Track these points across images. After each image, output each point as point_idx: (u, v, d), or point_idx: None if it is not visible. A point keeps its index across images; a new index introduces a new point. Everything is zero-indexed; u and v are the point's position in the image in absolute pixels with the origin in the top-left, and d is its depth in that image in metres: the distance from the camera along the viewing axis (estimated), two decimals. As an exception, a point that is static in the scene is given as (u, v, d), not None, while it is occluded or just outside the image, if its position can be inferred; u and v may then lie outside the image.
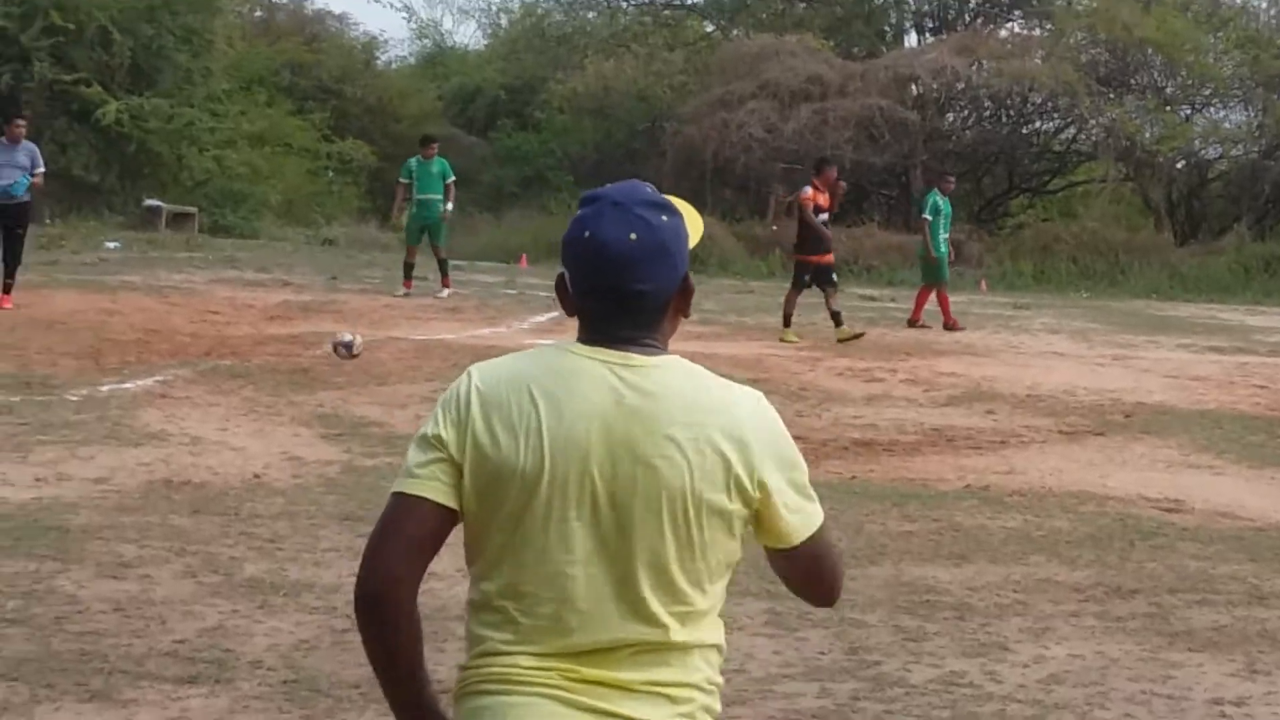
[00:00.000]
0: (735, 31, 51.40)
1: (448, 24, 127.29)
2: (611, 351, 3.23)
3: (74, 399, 14.74)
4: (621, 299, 3.23)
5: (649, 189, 3.33)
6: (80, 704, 6.88)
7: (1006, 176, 48.43)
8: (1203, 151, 46.52)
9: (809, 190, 23.54)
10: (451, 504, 3.20)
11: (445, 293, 26.27)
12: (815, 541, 3.35)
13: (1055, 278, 39.01)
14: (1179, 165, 46.14)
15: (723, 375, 3.35)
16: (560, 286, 3.32)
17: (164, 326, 20.16)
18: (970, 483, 12.81)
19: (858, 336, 22.37)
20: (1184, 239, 44.31)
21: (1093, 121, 44.67)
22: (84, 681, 7.12)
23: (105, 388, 15.48)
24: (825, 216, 23.35)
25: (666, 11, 53.87)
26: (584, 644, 3.17)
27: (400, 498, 3.22)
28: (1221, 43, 46.71)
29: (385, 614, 3.20)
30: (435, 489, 3.19)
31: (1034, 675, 7.80)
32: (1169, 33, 43.64)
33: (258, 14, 53.40)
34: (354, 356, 17.50)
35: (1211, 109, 47.41)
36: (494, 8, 62.39)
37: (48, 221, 33.38)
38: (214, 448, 12.82)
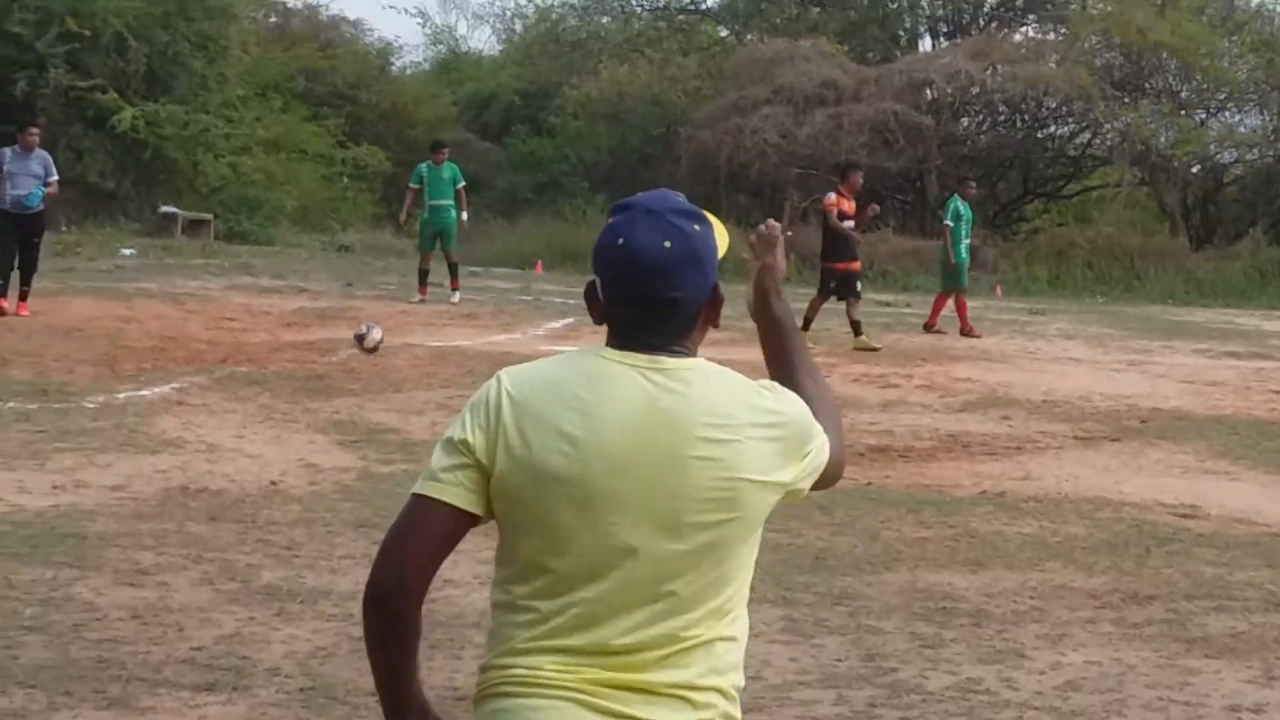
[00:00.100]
0: (749, 36, 51.40)
1: (462, 29, 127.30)
2: (641, 356, 3.26)
3: (91, 406, 14.77)
4: (654, 306, 3.26)
5: (681, 198, 3.38)
6: (98, 711, 6.89)
7: (1021, 181, 48.38)
8: (1218, 156, 46.44)
9: (832, 196, 23.53)
10: (474, 509, 3.22)
11: (456, 296, 26.29)
12: (827, 466, 3.44)
13: (1070, 283, 38.94)
14: (1194, 170, 46.08)
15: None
16: (590, 294, 3.34)
17: (180, 333, 20.18)
18: (986, 489, 12.80)
19: (873, 350, 22.25)
20: (1199, 244, 44.21)
21: (1108, 126, 44.58)
22: (102, 689, 7.13)
23: (122, 395, 15.50)
24: (850, 223, 23.29)
25: (681, 16, 53.85)
26: (615, 645, 3.19)
27: (423, 500, 3.23)
28: (1237, 47, 46.65)
29: (397, 611, 3.23)
30: (459, 494, 3.21)
31: (1051, 682, 7.80)
32: (1184, 37, 43.58)
33: (273, 20, 53.42)
34: (365, 350, 17.55)
35: (1227, 113, 47.33)
36: (508, 13, 62.69)
37: (63, 229, 33.42)
38: (230, 455, 12.83)
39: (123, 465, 12.16)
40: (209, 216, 38.88)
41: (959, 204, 26.34)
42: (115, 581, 8.90)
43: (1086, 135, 47.56)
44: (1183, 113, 45.02)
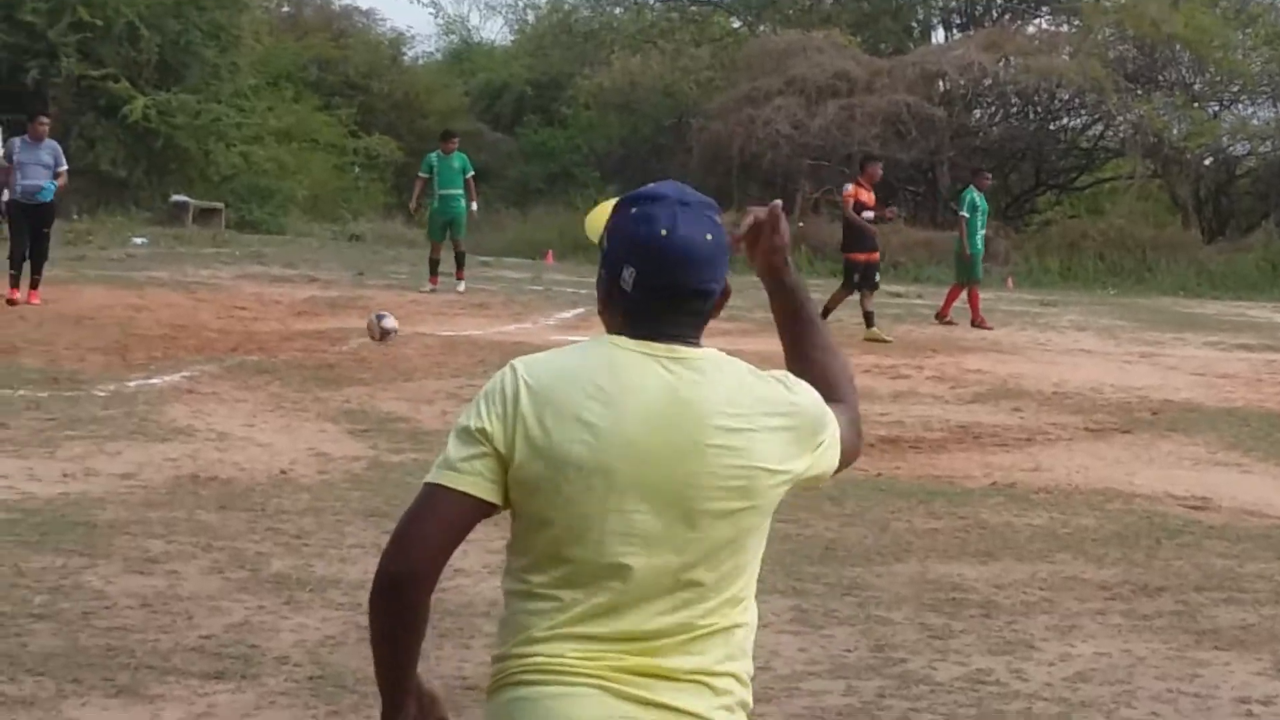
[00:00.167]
0: (762, 27, 51.42)
1: (475, 20, 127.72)
2: (659, 345, 3.26)
3: (101, 394, 14.78)
4: (689, 297, 3.29)
5: (692, 189, 3.39)
6: (107, 699, 6.89)
7: (1033, 173, 48.34)
8: (1231, 148, 46.40)
9: (850, 187, 23.54)
10: (491, 498, 3.20)
11: (461, 285, 26.30)
12: (841, 450, 3.46)
13: (1082, 275, 38.90)
14: (1207, 162, 46.02)
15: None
16: (611, 282, 3.32)
17: (191, 322, 20.20)
18: (997, 480, 12.79)
19: (884, 341, 22.21)
20: (1211, 236, 44.15)
21: (1120, 118, 44.58)
22: (111, 676, 7.13)
23: (132, 383, 15.51)
24: (870, 214, 23.27)
25: (693, 7, 53.87)
26: (635, 631, 3.19)
27: (439, 489, 3.20)
28: (1250, 39, 46.61)
29: (410, 598, 3.20)
30: (476, 483, 3.19)
31: (1060, 673, 7.79)
32: (1197, 29, 43.52)
33: (285, 9, 53.52)
34: (377, 338, 17.62)
35: (1239, 105, 47.29)
36: (521, 3, 62.48)
37: (75, 217, 33.48)
38: (240, 443, 12.84)
39: (133, 453, 12.16)
40: (220, 205, 38.95)
41: (975, 195, 26.31)
42: (125, 569, 8.90)
43: (1099, 127, 47.54)
44: (1196, 105, 44.99)
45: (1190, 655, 8.16)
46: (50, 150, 21.44)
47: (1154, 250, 40.27)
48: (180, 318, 20.54)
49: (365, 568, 9.01)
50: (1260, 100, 46.78)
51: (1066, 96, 45.86)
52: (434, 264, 26.50)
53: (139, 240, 32.23)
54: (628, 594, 3.19)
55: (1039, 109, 47.34)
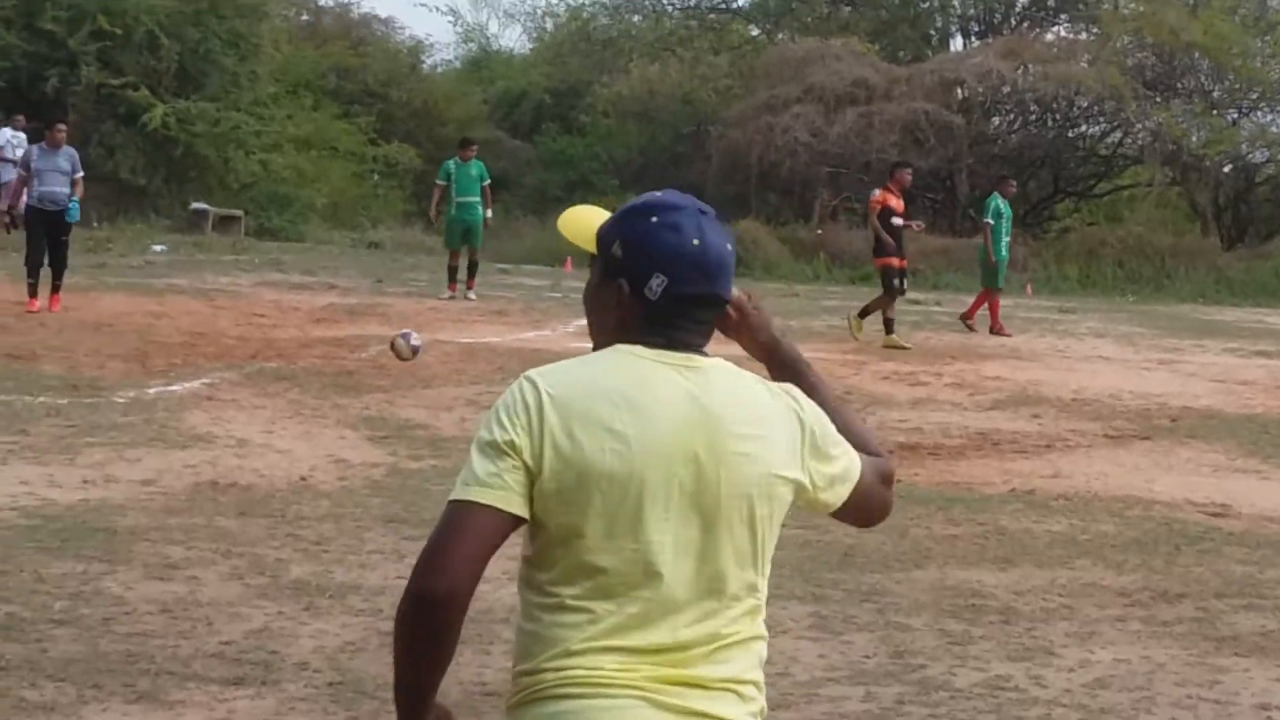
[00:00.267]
0: (780, 35, 51.41)
1: (493, 28, 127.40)
2: (676, 355, 3.27)
3: (121, 401, 14.80)
4: (713, 306, 3.34)
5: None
6: (127, 704, 6.91)
7: (1052, 180, 48.27)
8: (1250, 155, 46.30)
9: (878, 193, 23.61)
10: (521, 512, 3.17)
11: (472, 294, 26.30)
12: (863, 483, 3.47)
13: (1101, 282, 38.83)
14: (1226, 169, 45.95)
15: (769, 378, 3.41)
16: (633, 291, 3.29)
17: (210, 329, 20.22)
18: (1015, 487, 12.78)
19: (903, 349, 22.18)
20: (1231, 243, 44.09)
21: (1139, 125, 44.52)
22: (131, 682, 7.15)
23: (152, 390, 15.54)
24: (899, 221, 23.30)
25: (712, 15, 53.92)
26: (668, 643, 3.19)
27: (469, 505, 3.15)
28: (1269, 46, 46.51)
29: (447, 618, 3.14)
30: (507, 498, 3.15)
31: (1080, 680, 7.78)
32: (1216, 36, 43.46)
33: (304, 18, 53.55)
34: (401, 357, 17.58)
35: (1259, 113, 47.19)
36: (539, 11, 62.72)
37: (95, 225, 33.52)
38: (260, 450, 12.86)
39: (152, 460, 12.19)
40: (240, 213, 38.97)
41: (999, 202, 26.30)
42: (145, 576, 8.92)
43: (1118, 135, 47.46)
44: (1214, 112, 44.92)
45: (1210, 661, 8.15)
46: (68, 157, 21.49)
47: (1173, 257, 40.19)
48: (200, 325, 20.57)
49: (385, 574, 9.05)
50: (1279, 107, 46.70)
51: (1085, 104, 45.82)
52: (452, 271, 26.50)
53: (158, 248, 32.26)
54: (658, 604, 3.19)
55: (1057, 116, 47.28)
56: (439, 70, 59.58)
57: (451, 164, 26.67)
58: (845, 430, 3.49)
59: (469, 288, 26.42)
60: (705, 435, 3.21)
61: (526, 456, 3.16)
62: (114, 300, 22.45)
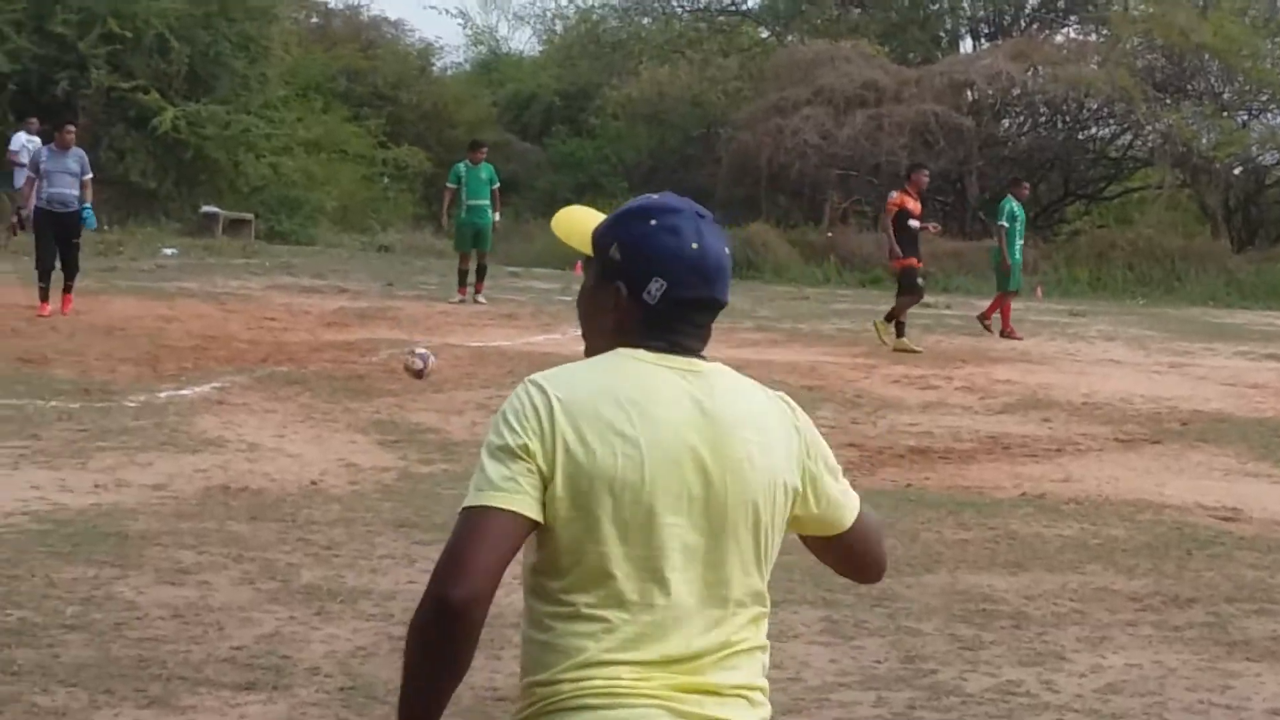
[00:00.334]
0: (790, 37, 51.36)
1: (503, 30, 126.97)
2: (678, 359, 3.27)
3: (132, 405, 14.83)
4: (712, 309, 3.32)
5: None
6: (139, 710, 6.92)
7: (1062, 183, 48.22)
8: (1260, 157, 46.26)
9: (895, 195, 23.61)
10: (537, 516, 3.15)
11: (481, 298, 26.31)
12: (862, 521, 3.47)
13: (1111, 285, 38.77)
14: (1236, 171, 45.86)
15: (779, 382, 3.42)
16: (631, 295, 3.29)
17: (221, 333, 20.24)
18: (1026, 491, 12.77)
19: (914, 352, 22.16)
20: (1241, 245, 44.01)
21: (1149, 127, 44.44)
22: (142, 687, 7.16)
23: (163, 394, 15.56)
24: (916, 223, 23.29)
25: (721, 18, 53.91)
26: (683, 651, 3.18)
27: (487, 510, 3.12)
28: (1279, 48, 46.45)
29: (467, 626, 3.11)
30: (525, 502, 3.13)
31: (1091, 685, 7.78)
32: (1226, 38, 43.39)
33: (314, 21, 53.55)
34: (414, 375, 17.58)
35: (1269, 115, 47.06)
36: (549, 14, 62.56)
37: (105, 228, 33.54)
38: (271, 454, 12.87)
39: (164, 464, 12.20)
40: (250, 216, 39.00)
41: (1013, 204, 26.22)
42: (156, 580, 8.93)
43: (1128, 137, 47.39)
44: (1225, 114, 44.88)
45: (1221, 666, 8.15)
46: (76, 158, 21.55)
47: (1183, 260, 40.11)
48: (210, 329, 20.60)
49: (396, 578, 9.05)
50: (1290, 109, 46.70)
51: (1095, 106, 45.76)
52: (463, 275, 26.52)
53: (169, 251, 32.32)
54: (669, 612, 3.17)
55: (1067, 118, 47.25)
56: (449, 73, 59.56)
57: (462, 167, 26.70)
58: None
59: (478, 291, 26.43)
60: (710, 440, 3.21)
61: (540, 461, 3.14)
62: (125, 304, 22.48)
